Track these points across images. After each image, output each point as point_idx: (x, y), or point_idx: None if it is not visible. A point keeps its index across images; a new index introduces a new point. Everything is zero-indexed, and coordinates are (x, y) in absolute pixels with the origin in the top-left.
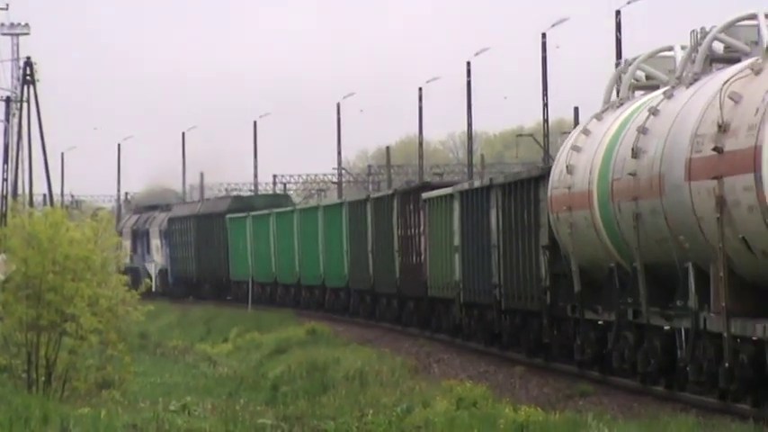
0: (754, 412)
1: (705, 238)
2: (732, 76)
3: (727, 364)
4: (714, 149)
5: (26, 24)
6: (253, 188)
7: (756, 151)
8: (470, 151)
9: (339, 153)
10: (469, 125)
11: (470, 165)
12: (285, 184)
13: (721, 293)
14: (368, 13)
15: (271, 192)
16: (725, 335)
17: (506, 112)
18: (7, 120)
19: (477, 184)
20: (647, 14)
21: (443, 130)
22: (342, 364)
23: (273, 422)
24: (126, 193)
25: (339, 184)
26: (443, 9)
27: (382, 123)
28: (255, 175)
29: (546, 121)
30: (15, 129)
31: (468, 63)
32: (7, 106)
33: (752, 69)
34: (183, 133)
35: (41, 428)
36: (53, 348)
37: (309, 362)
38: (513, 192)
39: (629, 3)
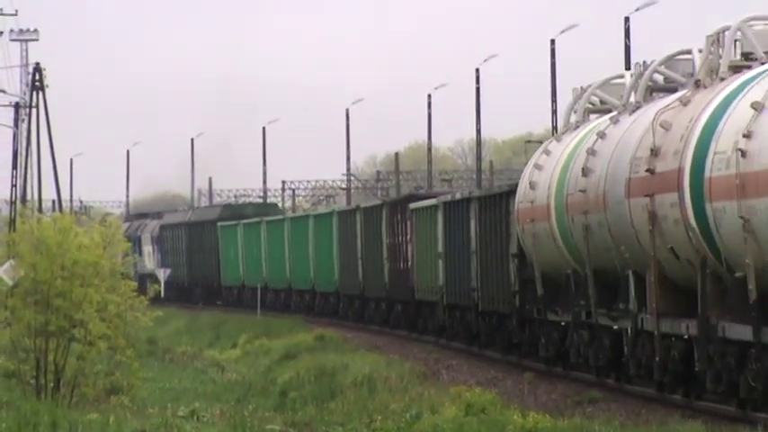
0: (685, 402)
1: (641, 247)
2: (665, 107)
3: (657, 359)
4: (647, 171)
5: (35, 30)
6: (262, 194)
7: (680, 173)
8: (479, 157)
9: (348, 159)
10: (478, 131)
11: (479, 171)
12: (294, 191)
13: (653, 296)
14: (377, 18)
15: (279, 197)
16: (656, 333)
17: (515, 118)
18: (16, 126)
19: (458, 196)
20: (658, 21)
21: (452, 136)
22: (350, 370)
23: (282, 428)
24: (134, 200)
25: (348, 190)
26: (453, 15)
27: (391, 129)
28: (264, 181)
29: (555, 127)
30: (24, 134)
31: (477, 70)
32: (16, 112)
33: (680, 101)
34: (192, 139)
35: None
36: (62, 354)
37: (318, 368)
38: (488, 204)
39: (637, 10)
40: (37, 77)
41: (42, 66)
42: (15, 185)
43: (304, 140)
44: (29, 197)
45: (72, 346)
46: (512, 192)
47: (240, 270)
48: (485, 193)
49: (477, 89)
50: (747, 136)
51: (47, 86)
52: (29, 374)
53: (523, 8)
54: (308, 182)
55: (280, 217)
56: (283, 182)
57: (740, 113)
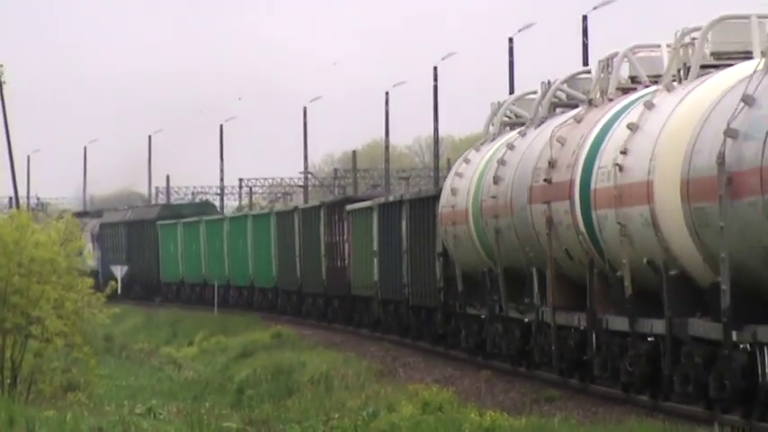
0: (582, 386)
1: (542, 248)
2: (562, 123)
3: (553, 347)
4: (545, 180)
5: None
6: (219, 191)
7: (571, 184)
8: (436, 155)
9: (305, 157)
10: (436, 129)
11: (437, 169)
12: (251, 188)
13: (550, 292)
14: (334, 17)
15: (236, 195)
16: (552, 324)
17: (473, 116)
18: None
19: (391, 198)
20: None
21: (410, 134)
22: (307, 368)
23: (239, 426)
24: (92, 197)
25: (305, 188)
26: (411, 13)
27: (349, 127)
28: (222, 179)
29: None
30: None
31: (435, 68)
32: None
33: (575, 119)
34: (150, 136)
35: (7, 431)
36: (18, 351)
37: (275, 365)
38: (418, 207)
39: (595, 9)
40: None
41: (0, 62)
42: None
43: (262, 138)
44: None
45: (29, 343)
46: (438, 196)
47: (180, 267)
48: (414, 196)
49: (435, 87)
50: (624, 153)
51: (4, 83)
52: None
53: (482, 6)
54: (265, 179)
55: (219, 216)
56: (240, 179)
57: (619, 132)
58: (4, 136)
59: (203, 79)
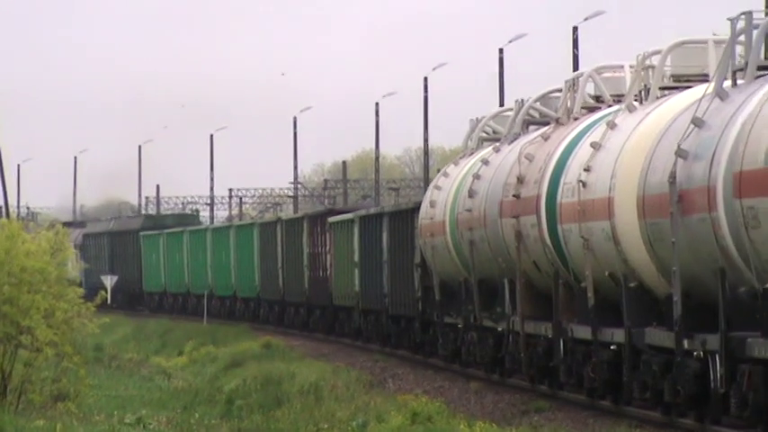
0: (552, 391)
1: (512, 260)
2: (530, 140)
3: (522, 355)
4: (514, 195)
5: None
6: (209, 201)
7: (538, 199)
8: (426, 166)
9: (295, 167)
10: (426, 140)
11: (427, 180)
12: (241, 198)
13: (519, 302)
14: (326, 27)
15: (226, 205)
16: (521, 333)
17: (463, 127)
18: None
19: (372, 211)
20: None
21: (400, 144)
22: (297, 378)
23: None
24: (81, 206)
25: (295, 198)
26: (402, 24)
27: (339, 138)
28: (212, 188)
29: None
30: None
31: (426, 78)
32: None
33: (542, 137)
34: (140, 146)
35: None
36: (8, 361)
37: (264, 376)
38: (398, 219)
39: (586, 19)
40: None
41: None
42: None
43: (252, 148)
44: None
45: (19, 353)
46: (417, 208)
47: (162, 277)
48: (394, 209)
49: (426, 98)
50: (587, 170)
51: None
52: None
53: (473, 18)
54: (255, 190)
55: (202, 227)
56: (230, 189)
57: (584, 150)
58: None
59: (193, 89)
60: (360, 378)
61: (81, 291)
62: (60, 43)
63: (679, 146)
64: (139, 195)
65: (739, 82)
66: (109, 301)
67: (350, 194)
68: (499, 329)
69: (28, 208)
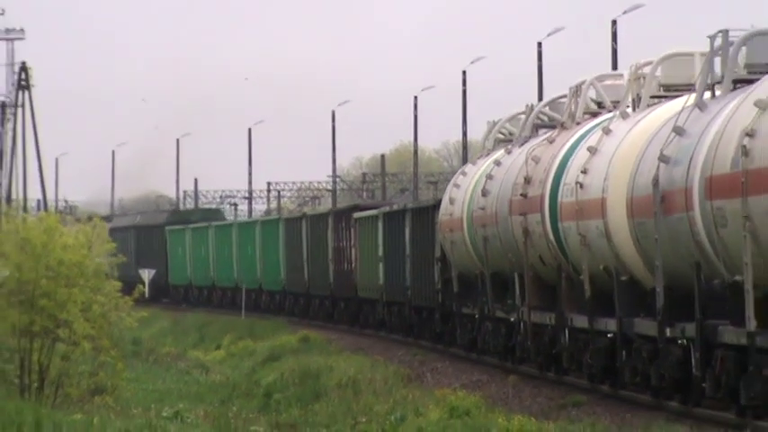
0: (557, 378)
1: (520, 254)
2: (537, 144)
3: (529, 343)
4: (521, 195)
5: (21, 29)
6: (247, 195)
7: (542, 198)
8: (465, 160)
9: (334, 161)
10: (464, 134)
11: None
12: (279, 192)
13: (527, 294)
14: (364, 20)
15: (264, 199)
16: (528, 322)
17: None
18: (2, 125)
19: (396, 207)
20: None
21: (438, 138)
22: (335, 372)
23: (266, 429)
24: (120, 200)
25: (333, 191)
26: (441, 17)
27: (377, 131)
28: (250, 182)
29: None
30: (10, 134)
31: (464, 72)
32: (2, 111)
33: (548, 140)
34: (178, 140)
35: None
36: (46, 354)
37: (302, 369)
38: (419, 215)
39: (625, 12)
40: (23, 77)
41: (28, 65)
42: (0, 185)
43: (290, 141)
44: (14, 196)
45: (56, 347)
46: (437, 205)
47: (188, 270)
48: (416, 205)
49: (464, 91)
50: (584, 172)
51: (33, 86)
52: (13, 374)
53: (511, 10)
54: (293, 183)
55: (228, 222)
56: (269, 183)
57: (582, 154)
58: (33, 139)
59: (232, 83)
60: (398, 372)
61: (118, 284)
62: (99, 37)
63: (662, 152)
64: (177, 189)
65: (717, 93)
66: (147, 295)
67: (388, 188)
68: (511, 320)
69: (66, 201)
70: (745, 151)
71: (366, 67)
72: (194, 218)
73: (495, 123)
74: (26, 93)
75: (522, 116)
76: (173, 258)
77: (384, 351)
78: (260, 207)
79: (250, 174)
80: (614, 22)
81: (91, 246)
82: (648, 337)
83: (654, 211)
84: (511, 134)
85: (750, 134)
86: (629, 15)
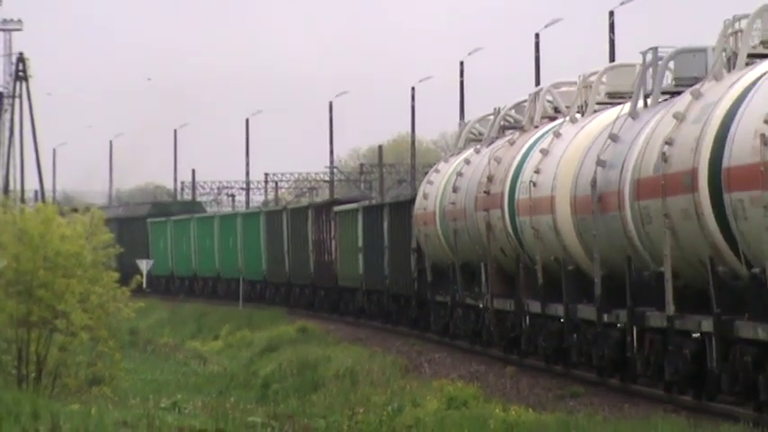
0: (519, 360)
1: (485, 246)
2: (500, 144)
3: (491, 328)
4: (485, 192)
5: (19, 20)
6: (244, 186)
7: (502, 195)
8: None
9: (331, 152)
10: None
11: None
12: (277, 183)
13: (491, 283)
14: (362, 11)
15: (262, 189)
16: (490, 308)
17: None
18: None
19: (374, 202)
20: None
21: (436, 129)
22: (333, 363)
23: (264, 420)
24: (117, 190)
25: (331, 182)
26: (440, 8)
27: (375, 122)
28: (247, 173)
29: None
30: (7, 125)
31: (462, 63)
32: None
33: (509, 142)
34: (175, 130)
35: (32, 425)
36: (44, 345)
37: (300, 360)
38: (397, 210)
39: (622, 3)
40: (20, 67)
41: (26, 56)
42: None
43: (288, 133)
44: (11, 187)
45: (54, 337)
46: (413, 200)
47: (169, 262)
48: (394, 200)
49: (462, 82)
50: (537, 172)
51: (30, 77)
52: (10, 365)
53: (510, 1)
54: (291, 174)
55: (209, 214)
56: (266, 174)
57: (536, 155)
58: (30, 129)
59: (229, 74)
60: (395, 362)
61: (116, 275)
62: (96, 28)
63: (599, 156)
64: (175, 180)
65: (650, 103)
66: (144, 285)
67: (386, 179)
68: (480, 306)
69: (63, 192)
70: (664, 158)
71: (364, 58)
72: (175, 210)
73: (466, 124)
74: (24, 83)
75: (491, 117)
76: (154, 250)
77: (382, 342)
78: (258, 198)
79: (248, 165)
80: (611, 14)
81: (88, 236)
82: (590, 323)
83: (592, 210)
84: (480, 134)
85: (669, 142)
86: (626, 7)
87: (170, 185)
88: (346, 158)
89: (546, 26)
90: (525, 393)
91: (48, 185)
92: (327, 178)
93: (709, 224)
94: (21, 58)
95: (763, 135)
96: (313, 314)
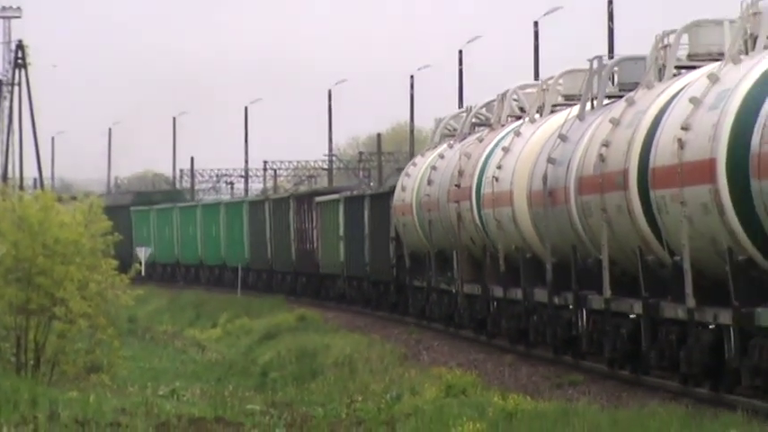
0: (488, 341)
1: (456, 236)
2: (470, 141)
3: (461, 311)
4: (456, 185)
5: (18, 8)
6: (243, 174)
7: (470, 188)
8: None
9: (330, 140)
10: None
11: None
12: (275, 171)
13: (461, 269)
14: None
15: (260, 177)
16: (461, 292)
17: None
18: None
19: (355, 193)
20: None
21: (434, 117)
22: (331, 351)
23: (262, 408)
24: (116, 178)
25: (330, 170)
26: None
27: (374, 110)
28: (246, 161)
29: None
30: (6, 112)
31: (461, 51)
32: None
33: (478, 139)
34: (174, 118)
35: (30, 412)
36: (42, 332)
37: (299, 348)
38: (377, 200)
39: None
40: (19, 55)
41: (25, 43)
42: None
43: (287, 120)
44: (10, 174)
45: (53, 324)
46: (392, 192)
47: (152, 249)
48: (374, 192)
49: (461, 70)
50: (499, 168)
51: (29, 64)
52: (9, 352)
53: None
54: (289, 162)
55: (193, 203)
56: (265, 162)
57: (498, 153)
58: (29, 117)
59: (228, 61)
60: (394, 351)
61: (115, 262)
62: (95, 15)
63: (549, 155)
64: (174, 168)
65: (595, 106)
66: (143, 273)
67: (384, 167)
68: (453, 291)
69: (62, 180)
70: (602, 158)
71: (363, 45)
72: (158, 199)
73: (440, 120)
74: (22, 71)
75: (464, 115)
76: (137, 238)
77: (380, 330)
78: (256, 186)
79: (246, 152)
80: (611, 2)
81: (87, 224)
82: (543, 305)
83: (544, 203)
84: (455, 130)
85: (606, 144)
86: None
87: (169, 173)
88: (345, 146)
89: (545, 14)
90: (524, 381)
91: (46, 173)
92: (326, 166)
93: (638, 218)
94: (20, 46)
95: (680, 140)
96: (295, 300)
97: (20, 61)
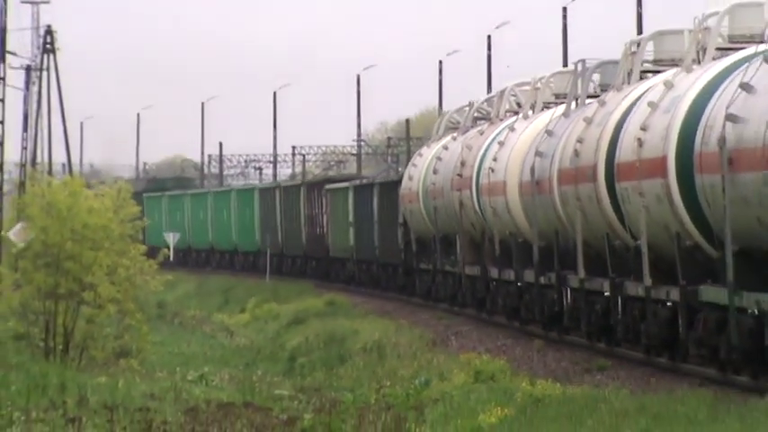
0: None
1: (459, 222)
2: (472, 134)
3: (464, 291)
4: (458, 175)
5: None
6: (272, 159)
7: (471, 178)
8: None
9: (359, 125)
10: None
11: None
12: (304, 156)
13: (462, 252)
14: None
15: (289, 163)
16: (463, 274)
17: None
18: (27, 88)
19: (365, 181)
20: None
21: (463, 102)
22: (360, 336)
23: (291, 393)
24: (144, 163)
25: (358, 156)
26: None
27: (403, 95)
28: (275, 146)
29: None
30: (35, 97)
31: (489, 36)
32: (27, 75)
33: (479, 132)
34: (203, 103)
35: (59, 397)
36: (71, 317)
37: (327, 333)
38: (386, 188)
39: None
40: (48, 40)
41: (53, 28)
42: (26, 148)
43: (316, 106)
44: (39, 160)
45: (81, 309)
46: (400, 181)
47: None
48: (382, 180)
49: (489, 56)
50: (495, 160)
51: (58, 49)
52: (38, 337)
53: None
54: (318, 147)
55: (204, 190)
56: (293, 147)
57: (494, 146)
58: (58, 102)
59: (258, 47)
60: (423, 336)
61: (143, 248)
62: (128, 1)
63: (537, 149)
64: (202, 153)
65: (579, 105)
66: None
67: (413, 152)
68: (457, 273)
69: (91, 165)
70: (576, 153)
71: (392, 31)
72: (169, 185)
73: (444, 114)
74: (51, 56)
75: (467, 109)
76: (150, 223)
77: (409, 315)
78: (285, 171)
79: (275, 138)
80: None
81: (116, 209)
82: (531, 284)
83: (532, 192)
84: (458, 123)
85: (579, 141)
86: None
87: (197, 159)
88: (374, 132)
89: (573, 0)
90: (552, 367)
91: (75, 159)
92: (355, 152)
93: (606, 207)
94: (48, 31)
95: (639, 139)
96: (306, 280)
97: (48, 46)
